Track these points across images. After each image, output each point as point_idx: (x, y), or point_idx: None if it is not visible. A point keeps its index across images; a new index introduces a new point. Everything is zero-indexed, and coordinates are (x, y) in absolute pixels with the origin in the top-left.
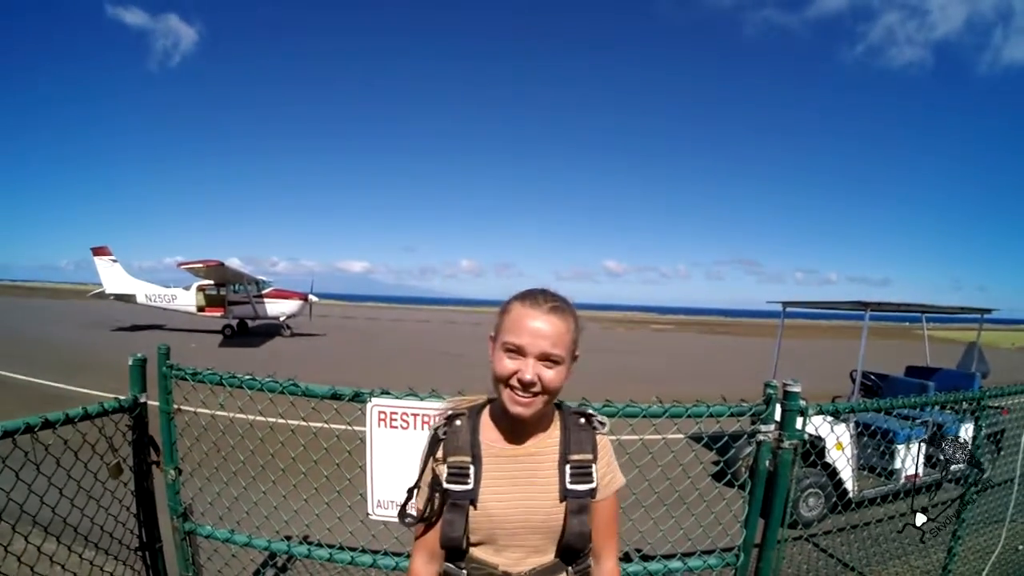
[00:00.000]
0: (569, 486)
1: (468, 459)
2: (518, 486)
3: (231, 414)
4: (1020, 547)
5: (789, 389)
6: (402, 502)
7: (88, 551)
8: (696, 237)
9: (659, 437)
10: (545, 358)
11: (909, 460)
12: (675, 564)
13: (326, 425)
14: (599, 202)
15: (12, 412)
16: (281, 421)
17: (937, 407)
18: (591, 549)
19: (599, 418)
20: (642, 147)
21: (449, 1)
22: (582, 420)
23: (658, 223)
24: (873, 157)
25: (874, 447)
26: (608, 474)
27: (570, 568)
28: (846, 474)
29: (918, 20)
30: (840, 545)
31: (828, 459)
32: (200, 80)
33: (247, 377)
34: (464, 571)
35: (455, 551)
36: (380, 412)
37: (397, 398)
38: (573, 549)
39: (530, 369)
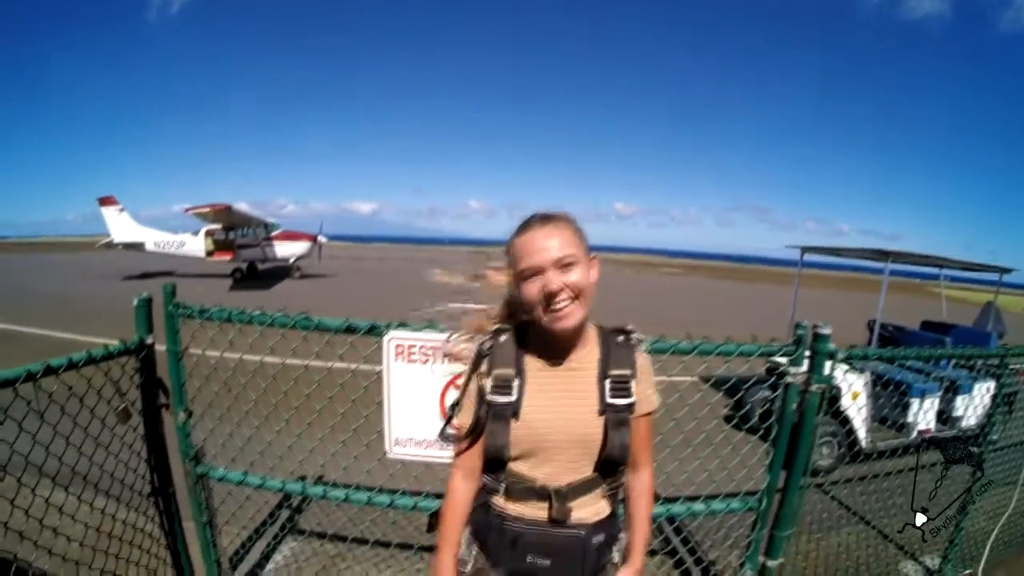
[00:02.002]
0: (609, 400)
1: (512, 371)
2: (559, 400)
3: (240, 354)
4: None
5: (819, 331)
6: (443, 423)
7: (99, 499)
8: (708, 182)
9: (666, 377)
10: (559, 264)
11: (922, 414)
12: (698, 507)
13: (340, 364)
14: (611, 141)
15: (22, 363)
16: (293, 360)
17: (952, 363)
18: (628, 464)
19: (637, 335)
20: (655, 86)
21: None
22: (621, 337)
23: (670, 165)
24: (892, 109)
25: (888, 399)
26: (646, 390)
27: (604, 485)
28: (860, 424)
29: None
30: (849, 495)
31: (843, 408)
32: (201, 20)
33: (257, 312)
34: (503, 484)
35: (495, 462)
36: (398, 345)
37: (415, 330)
38: (612, 462)
39: (553, 279)
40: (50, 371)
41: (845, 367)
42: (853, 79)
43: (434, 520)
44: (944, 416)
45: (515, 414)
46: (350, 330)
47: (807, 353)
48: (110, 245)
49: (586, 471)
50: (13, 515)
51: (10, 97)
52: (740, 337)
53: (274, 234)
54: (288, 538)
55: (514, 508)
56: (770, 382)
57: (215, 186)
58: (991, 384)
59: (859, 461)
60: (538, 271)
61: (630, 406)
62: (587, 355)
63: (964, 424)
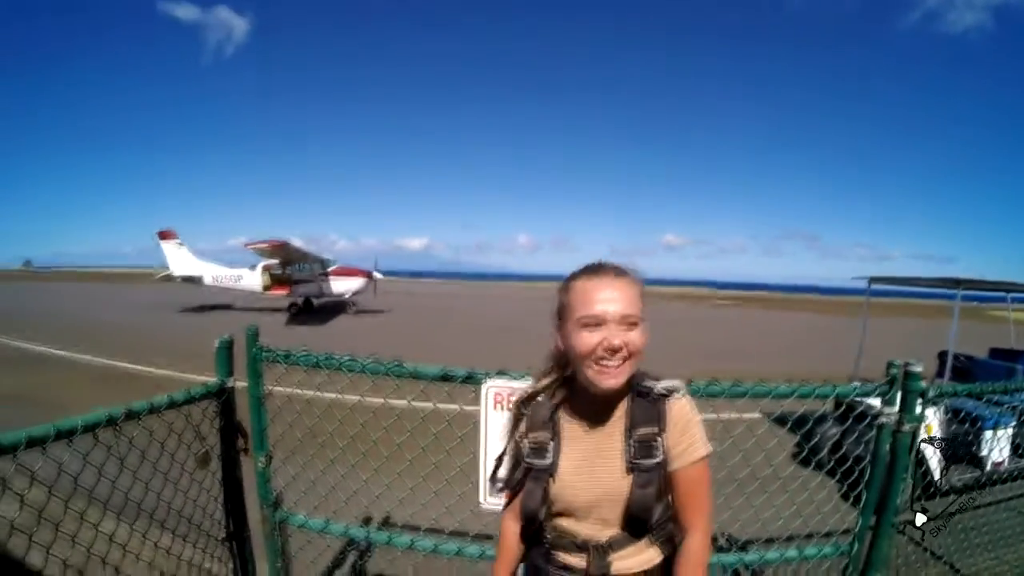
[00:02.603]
0: (634, 460)
1: (548, 435)
2: (592, 460)
3: (326, 394)
4: None
5: (911, 369)
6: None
7: (176, 545)
8: (757, 210)
9: (737, 415)
10: (624, 321)
11: (997, 447)
12: (791, 553)
13: (434, 406)
14: (657, 176)
15: (97, 394)
16: (372, 399)
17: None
18: (677, 522)
19: (665, 386)
20: (700, 119)
21: None
22: (645, 392)
23: (718, 196)
24: (941, 130)
25: (962, 433)
26: (682, 443)
27: (649, 536)
28: (935, 460)
29: None
30: (929, 535)
31: (918, 445)
32: (254, 66)
33: (346, 358)
34: (549, 536)
35: (533, 520)
36: (496, 393)
37: (514, 379)
38: (637, 519)
39: (615, 335)
40: (131, 415)
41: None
42: (900, 102)
43: None
44: (1020, 448)
45: (551, 475)
46: (446, 378)
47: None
48: (169, 278)
49: (620, 528)
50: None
51: (71, 134)
52: (807, 372)
53: (330, 270)
54: None
55: (560, 557)
56: (835, 418)
57: (267, 221)
58: None
59: (934, 498)
60: (600, 322)
61: (659, 464)
62: (617, 413)
63: None
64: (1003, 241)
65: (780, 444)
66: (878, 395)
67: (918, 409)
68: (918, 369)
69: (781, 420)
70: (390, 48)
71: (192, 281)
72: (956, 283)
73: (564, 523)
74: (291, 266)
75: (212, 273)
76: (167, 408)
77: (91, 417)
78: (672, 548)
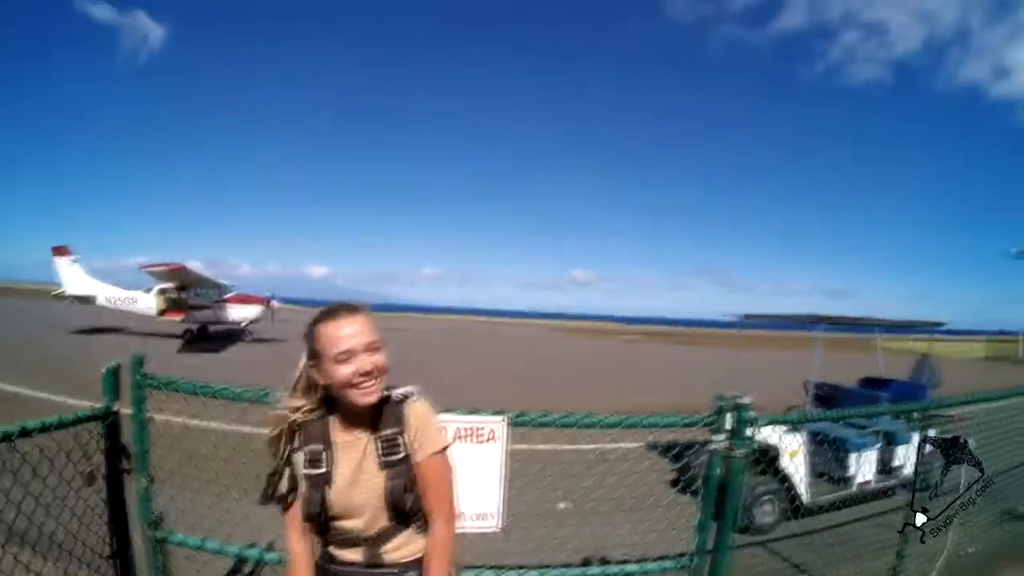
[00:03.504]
0: (382, 458)
1: (321, 447)
2: (357, 464)
3: (204, 422)
4: (969, 550)
5: (739, 401)
6: (263, 486)
7: (62, 559)
8: (665, 248)
9: (616, 445)
10: (368, 348)
11: (861, 467)
12: (631, 568)
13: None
14: (566, 211)
15: None
16: (249, 429)
17: (889, 416)
18: (424, 512)
19: (400, 392)
20: (612, 157)
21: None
22: (391, 399)
23: (625, 233)
24: (839, 171)
25: (827, 455)
26: (419, 439)
27: (412, 527)
28: (799, 481)
29: (877, 39)
30: (795, 550)
31: (782, 467)
32: (165, 77)
33: (221, 387)
34: (329, 536)
35: (315, 523)
36: None
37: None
38: (399, 510)
39: (366, 362)
40: (25, 433)
41: (783, 428)
42: (808, 145)
43: None
44: (885, 467)
45: (328, 482)
46: None
47: (729, 420)
48: (61, 296)
49: (387, 520)
50: None
51: None
52: (680, 403)
53: (227, 296)
54: None
55: (341, 554)
56: (705, 448)
57: (167, 241)
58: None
59: (804, 516)
60: (351, 354)
61: (403, 459)
62: (371, 420)
63: (904, 473)
64: (896, 275)
65: (662, 470)
66: (704, 425)
67: (748, 433)
68: (747, 401)
69: (662, 450)
70: (298, 69)
71: (86, 301)
72: (817, 320)
73: (341, 524)
74: (188, 291)
75: (106, 294)
76: (57, 428)
77: None
78: None
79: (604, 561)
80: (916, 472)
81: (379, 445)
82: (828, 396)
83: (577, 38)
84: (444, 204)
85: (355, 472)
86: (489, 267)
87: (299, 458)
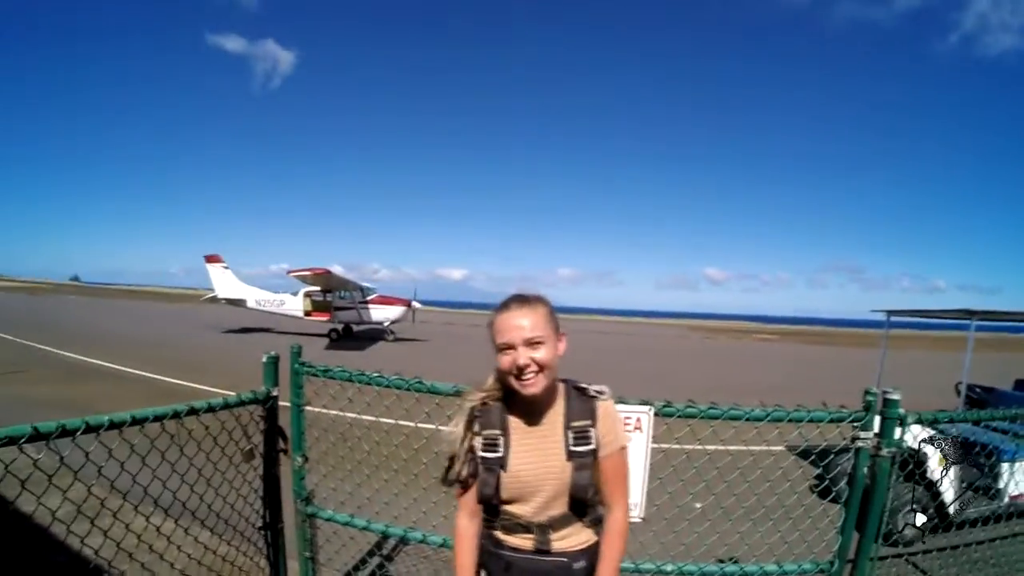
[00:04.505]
0: (571, 447)
1: (499, 432)
2: (536, 451)
3: (354, 415)
4: None
5: (888, 396)
6: (444, 468)
7: (218, 528)
8: (799, 243)
9: (754, 448)
10: (529, 342)
11: (1014, 479)
12: (771, 567)
13: (449, 427)
14: (701, 209)
15: (144, 405)
16: (405, 423)
17: None
18: (603, 501)
19: (595, 388)
20: (742, 153)
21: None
22: (580, 393)
23: (760, 229)
24: (987, 157)
25: (979, 465)
26: (608, 435)
27: (585, 519)
28: (948, 490)
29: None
30: (939, 567)
31: (929, 474)
32: (301, 95)
33: (375, 374)
34: (499, 521)
35: (489, 506)
36: None
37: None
38: (579, 500)
39: (521, 355)
40: (192, 412)
41: (931, 431)
42: (947, 129)
43: None
44: None
45: (503, 466)
46: (459, 393)
47: (877, 420)
48: (214, 300)
49: (563, 508)
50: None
51: (122, 156)
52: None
53: (370, 298)
54: None
55: (509, 540)
56: (852, 445)
57: (310, 248)
58: None
59: (950, 531)
60: (510, 346)
61: (593, 451)
62: (555, 411)
63: None
64: None
65: (803, 475)
66: (852, 421)
67: (896, 434)
68: (896, 396)
69: (802, 453)
70: (432, 81)
71: (236, 304)
72: (970, 314)
73: (512, 508)
74: (332, 293)
75: (256, 297)
76: (221, 408)
77: (160, 409)
78: (601, 534)
79: (740, 561)
80: None
81: (570, 435)
82: (982, 400)
83: (700, 27)
84: (580, 205)
85: (533, 458)
86: (623, 267)
87: (477, 443)
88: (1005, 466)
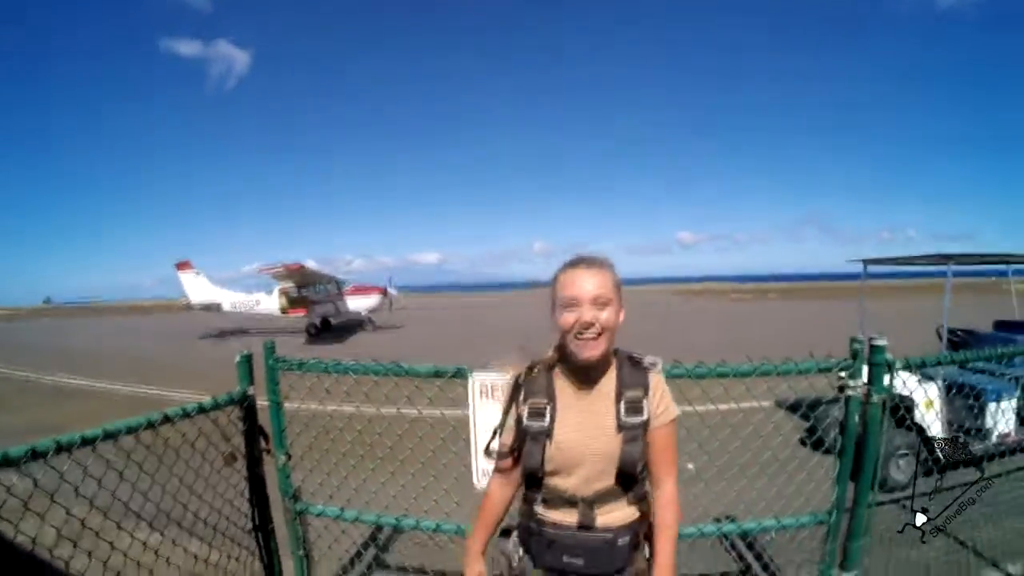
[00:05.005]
0: (623, 419)
1: (545, 400)
2: (584, 421)
3: (334, 406)
4: None
5: (874, 343)
6: (488, 440)
7: (207, 535)
8: (774, 199)
9: (741, 405)
10: (595, 301)
11: (1001, 418)
12: (769, 522)
13: (429, 409)
14: (668, 172)
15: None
16: (386, 410)
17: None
18: (650, 476)
19: (649, 360)
20: (708, 111)
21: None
22: (634, 363)
23: (728, 186)
24: (949, 102)
25: (964, 406)
26: (660, 407)
27: (630, 494)
28: (937, 434)
29: None
30: (934, 509)
31: (918, 419)
32: (256, 95)
33: (351, 363)
34: (541, 494)
35: (533, 478)
36: (482, 385)
37: (497, 372)
38: (628, 473)
39: (588, 312)
40: (167, 420)
41: (916, 377)
42: (901, 76)
43: None
44: None
45: (548, 436)
46: (438, 374)
47: (864, 366)
48: (189, 307)
49: (609, 481)
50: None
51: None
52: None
53: (345, 289)
54: (378, 571)
55: (551, 515)
56: (842, 395)
57: (282, 245)
58: None
59: (941, 472)
60: (576, 303)
61: (644, 423)
62: (607, 381)
63: None
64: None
65: (794, 428)
66: (841, 369)
67: (885, 380)
68: (882, 343)
69: (790, 407)
70: (390, 66)
71: (211, 308)
72: (947, 258)
73: (555, 481)
74: (307, 288)
75: (230, 299)
76: (198, 413)
77: (133, 421)
78: (647, 508)
79: (740, 518)
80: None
81: (622, 406)
82: (963, 342)
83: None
84: (545, 176)
85: (582, 429)
86: (597, 237)
87: (523, 411)
88: (992, 406)
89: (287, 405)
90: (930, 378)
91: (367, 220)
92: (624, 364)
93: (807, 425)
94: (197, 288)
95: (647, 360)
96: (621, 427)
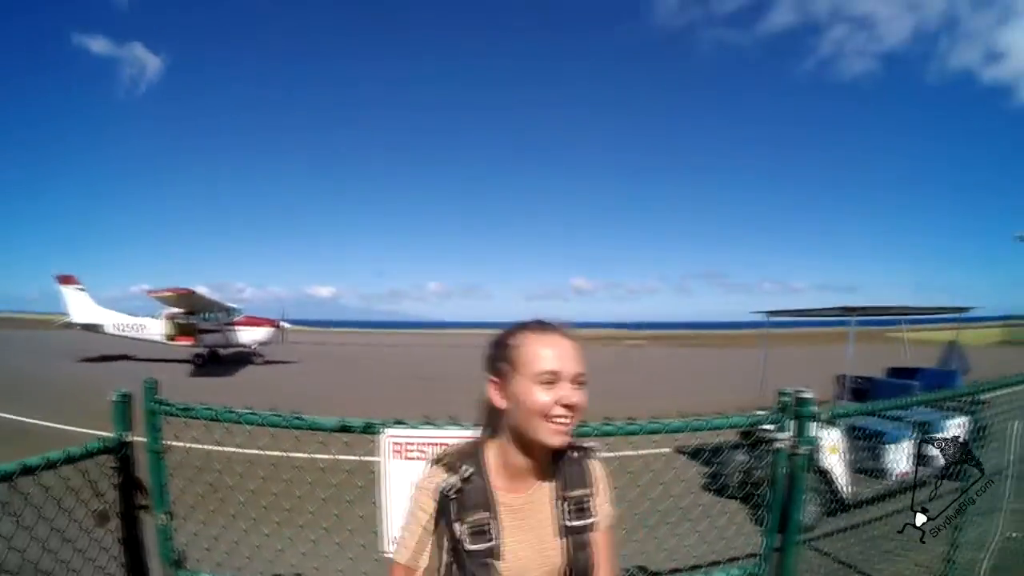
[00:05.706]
0: (567, 522)
1: (487, 514)
2: (531, 529)
3: (227, 448)
4: (1012, 535)
5: (801, 396)
6: (398, 539)
7: None
8: (663, 252)
9: (655, 451)
10: (577, 379)
11: (900, 459)
12: None
13: (335, 457)
14: (564, 220)
15: None
16: (272, 453)
17: (921, 406)
18: None
19: (587, 444)
20: (604, 162)
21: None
22: (575, 453)
23: (624, 239)
24: (832, 166)
25: (865, 449)
26: (606, 502)
27: None
28: (841, 477)
29: (866, 32)
30: (840, 548)
31: (822, 463)
32: (163, 105)
33: (246, 411)
34: None
35: None
36: (395, 443)
37: (412, 428)
38: None
39: (573, 393)
40: (27, 471)
41: (820, 424)
42: (801, 141)
43: None
44: (922, 457)
45: (497, 557)
46: (345, 429)
47: (791, 418)
48: (69, 325)
49: None
50: None
51: None
52: (717, 405)
53: (236, 319)
54: None
55: None
56: (745, 446)
57: (172, 267)
58: (963, 420)
59: (844, 512)
60: (556, 379)
61: (591, 525)
62: (546, 474)
63: (940, 462)
64: (899, 266)
65: (696, 474)
66: (770, 422)
67: (812, 431)
68: (808, 395)
69: (692, 454)
70: (299, 91)
71: (93, 329)
72: (850, 311)
73: None
74: (196, 315)
75: (113, 321)
76: (64, 463)
77: None
78: None
79: (671, 572)
80: (915, 471)
81: (566, 507)
82: (863, 388)
83: (564, 39)
84: (443, 218)
85: (530, 540)
86: (491, 280)
87: (459, 529)
88: (890, 447)
89: (175, 444)
90: (832, 423)
91: (263, 248)
92: (563, 453)
93: (708, 471)
94: (80, 305)
95: (586, 445)
96: (566, 531)
